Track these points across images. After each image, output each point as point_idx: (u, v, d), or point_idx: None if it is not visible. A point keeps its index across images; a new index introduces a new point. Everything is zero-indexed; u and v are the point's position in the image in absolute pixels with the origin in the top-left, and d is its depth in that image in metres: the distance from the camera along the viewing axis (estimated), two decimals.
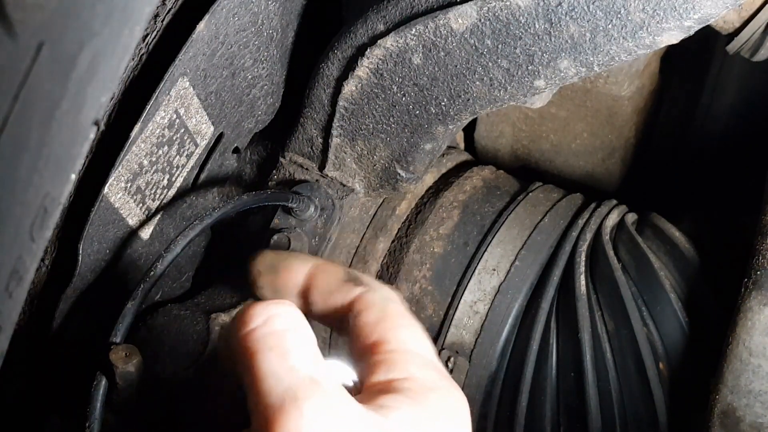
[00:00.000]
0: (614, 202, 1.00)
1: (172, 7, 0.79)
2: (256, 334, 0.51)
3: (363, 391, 0.55)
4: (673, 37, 0.72)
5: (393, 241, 0.99)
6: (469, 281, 0.94)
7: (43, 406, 0.87)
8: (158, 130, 0.80)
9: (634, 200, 1.03)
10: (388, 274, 0.97)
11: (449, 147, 1.12)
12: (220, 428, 0.74)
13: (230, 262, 1.00)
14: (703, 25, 0.72)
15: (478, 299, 0.93)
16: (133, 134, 0.77)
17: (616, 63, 0.75)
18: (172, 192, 0.90)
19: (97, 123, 0.45)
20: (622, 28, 0.72)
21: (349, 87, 0.86)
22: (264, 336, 0.50)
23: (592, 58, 0.75)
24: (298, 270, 0.64)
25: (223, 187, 1.04)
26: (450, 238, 0.97)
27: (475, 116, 0.91)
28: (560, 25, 0.74)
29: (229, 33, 0.82)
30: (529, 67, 0.78)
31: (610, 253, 0.92)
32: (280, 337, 0.50)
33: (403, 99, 0.85)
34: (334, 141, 0.93)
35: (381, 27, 0.81)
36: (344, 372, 0.58)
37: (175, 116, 0.81)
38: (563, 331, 0.92)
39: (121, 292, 0.88)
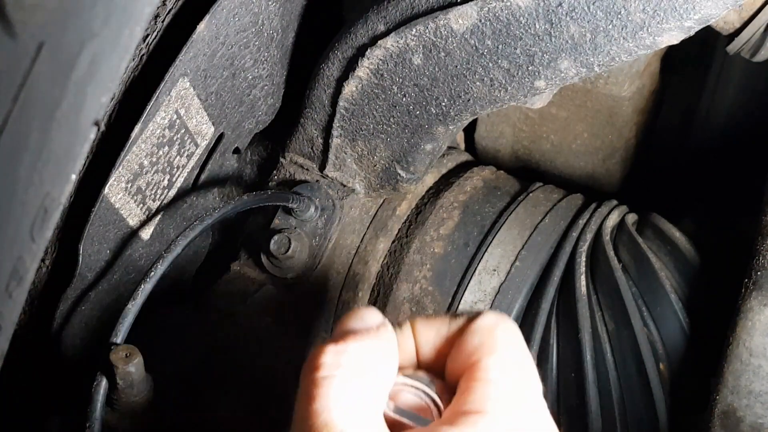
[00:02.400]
0: (614, 202, 1.00)
1: (172, 8, 0.79)
2: (304, 379, 0.53)
3: (443, 414, 0.54)
4: (674, 38, 0.72)
5: (393, 242, 0.98)
6: (469, 281, 0.94)
7: (43, 406, 0.87)
8: (159, 130, 0.80)
9: (635, 201, 1.03)
10: (389, 275, 0.97)
11: (450, 147, 1.12)
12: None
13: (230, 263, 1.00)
14: (704, 25, 0.72)
15: (479, 299, 0.93)
16: (133, 135, 0.77)
17: (617, 63, 0.75)
18: (172, 192, 0.90)
19: (97, 123, 0.45)
20: (622, 29, 0.72)
21: (350, 87, 0.86)
22: (306, 383, 0.53)
23: (592, 59, 0.75)
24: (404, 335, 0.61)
25: (224, 187, 1.04)
26: (450, 239, 0.97)
27: (476, 117, 0.91)
28: (561, 26, 0.74)
29: (229, 33, 0.82)
30: (530, 68, 0.78)
31: (611, 253, 0.92)
32: (316, 385, 0.52)
33: (404, 99, 0.85)
34: (335, 141, 0.93)
35: (381, 27, 0.81)
36: (424, 387, 0.56)
37: (175, 117, 0.81)
38: (563, 331, 0.92)
39: (122, 293, 0.89)
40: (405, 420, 0.54)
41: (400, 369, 0.57)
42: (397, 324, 0.59)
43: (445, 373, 0.58)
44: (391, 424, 0.54)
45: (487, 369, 0.54)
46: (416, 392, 0.56)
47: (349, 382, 0.52)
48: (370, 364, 0.54)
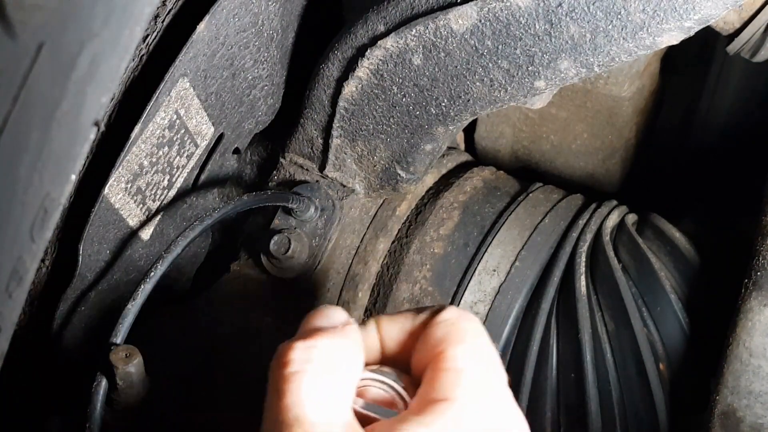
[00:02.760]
0: (614, 202, 1.00)
1: (172, 8, 0.79)
2: (272, 374, 0.54)
3: (410, 405, 0.55)
4: (674, 38, 0.72)
5: (393, 242, 0.98)
6: (469, 282, 0.94)
7: (43, 406, 0.87)
8: (158, 130, 0.80)
9: (635, 201, 1.03)
10: (389, 275, 0.97)
11: (449, 147, 1.12)
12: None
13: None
14: (704, 25, 0.72)
15: (479, 300, 0.93)
16: (133, 135, 0.77)
17: (617, 64, 0.75)
18: (172, 193, 0.90)
19: (97, 123, 0.45)
20: (622, 29, 0.72)
21: (350, 88, 0.86)
22: (276, 378, 0.54)
23: (592, 59, 0.75)
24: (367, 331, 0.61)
25: (224, 187, 1.04)
26: (450, 239, 0.97)
27: (476, 117, 0.91)
28: (560, 26, 0.74)
29: (229, 34, 0.82)
30: (530, 68, 0.78)
31: (611, 253, 0.92)
32: (285, 381, 0.53)
33: (404, 100, 0.85)
34: (335, 142, 0.93)
35: (381, 28, 0.81)
36: (390, 381, 0.57)
37: (175, 117, 0.81)
38: (563, 331, 0.92)
39: (122, 293, 0.89)
40: (373, 414, 0.55)
41: (366, 365, 0.58)
42: (360, 322, 0.60)
43: (411, 367, 0.59)
44: (360, 419, 0.54)
45: (453, 358, 0.54)
46: (382, 386, 0.57)
47: (319, 377, 0.53)
48: (338, 360, 0.55)
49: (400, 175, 0.94)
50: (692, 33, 0.72)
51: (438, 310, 0.59)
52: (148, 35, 0.78)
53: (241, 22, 0.82)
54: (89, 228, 0.79)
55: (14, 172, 0.40)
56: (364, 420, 0.54)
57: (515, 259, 0.95)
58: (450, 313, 0.58)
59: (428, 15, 0.78)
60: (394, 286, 0.96)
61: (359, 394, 0.56)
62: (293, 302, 0.96)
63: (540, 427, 0.92)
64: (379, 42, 0.81)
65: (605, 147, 1.18)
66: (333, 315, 0.59)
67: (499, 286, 0.94)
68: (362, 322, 0.61)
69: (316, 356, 0.54)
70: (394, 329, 0.60)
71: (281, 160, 0.99)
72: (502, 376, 0.56)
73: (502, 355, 0.93)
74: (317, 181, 0.97)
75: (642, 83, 1.12)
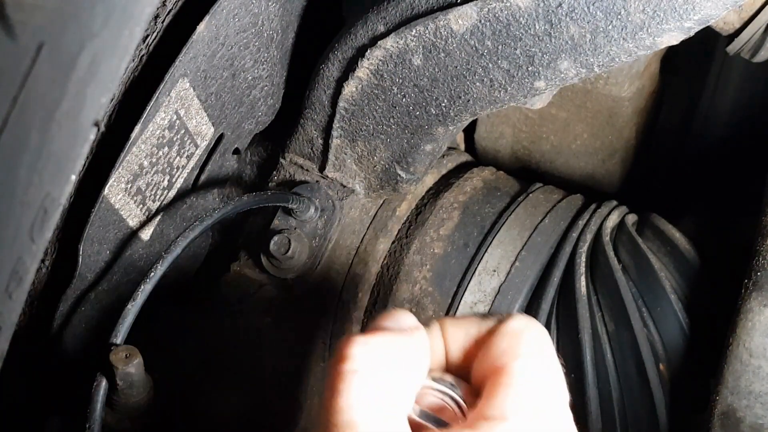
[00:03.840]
0: (614, 203, 1.00)
1: (172, 8, 0.79)
2: (332, 369, 0.52)
3: (468, 416, 0.53)
4: (673, 38, 0.72)
5: (393, 242, 0.98)
6: (469, 282, 0.94)
7: (43, 407, 0.87)
8: (158, 131, 0.80)
9: (635, 201, 1.03)
10: (389, 275, 0.97)
11: (449, 148, 1.12)
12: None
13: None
14: (703, 26, 0.72)
15: (479, 300, 0.93)
16: (133, 135, 0.77)
17: (617, 64, 0.75)
18: (172, 193, 0.90)
19: (97, 124, 0.45)
20: (622, 30, 0.72)
21: (350, 88, 0.86)
22: (333, 374, 0.52)
23: (592, 59, 0.75)
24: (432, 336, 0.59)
25: (224, 188, 1.04)
26: (450, 239, 0.97)
27: (476, 117, 0.91)
28: (560, 26, 0.74)
29: (229, 34, 0.82)
30: (530, 68, 0.78)
31: (611, 254, 0.92)
32: (343, 378, 0.51)
33: (404, 100, 0.85)
34: (335, 142, 0.93)
35: (381, 28, 0.81)
36: (449, 391, 0.56)
37: (175, 117, 0.81)
38: (563, 331, 0.92)
39: (122, 293, 0.89)
40: (428, 424, 0.53)
41: (429, 371, 0.56)
42: (426, 325, 0.58)
43: (472, 377, 0.57)
44: (415, 427, 0.53)
45: (513, 374, 0.52)
46: (441, 396, 0.56)
47: (377, 379, 0.51)
48: (399, 363, 0.53)
49: (400, 175, 0.94)
50: (692, 33, 0.72)
51: (504, 318, 0.56)
52: (148, 35, 0.78)
53: (241, 23, 0.82)
54: (89, 228, 0.79)
55: (14, 172, 0.40)
56: (418, 428, 0.53)
57: (515, 260, 0.95)
58: (517, 323, 0.56)
59: (428, 15, 0.78)
60: (394, 287, 0.96)
61: (418, 401, 0.54)
62: (293, 302, 0.96)
63: None
64: (379, 42, 0.81)
65: (605, 147, 1.18)
66: (402, 319, 0.57)
67: (499, 287, 0.94)
68: (427, 325, 0.59)
69: (378, 355, 0.52)
70: (459, 334, 0.58)
71: (281, 160, 0.99)
72: (563, 395, 0.54)
73: None
74: (317, 181, 0.97)
75: (642, 83, 1.12)
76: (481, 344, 0.57)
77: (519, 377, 0.52)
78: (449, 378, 0.57)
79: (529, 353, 0.54)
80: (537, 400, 0.52)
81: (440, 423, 0.54)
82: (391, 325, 0.56)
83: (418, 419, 0.54)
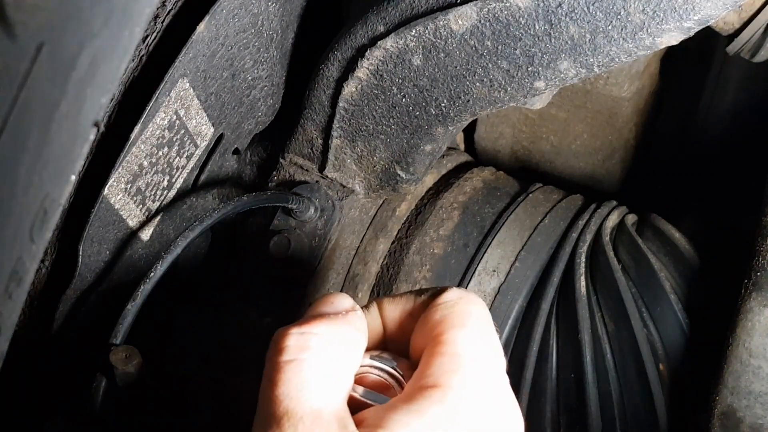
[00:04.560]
0: (614, 203, 1.00)
1: (172, 9, 0.79)
2: (267, 362, 0.52)
3: (405, 388, 0.53)
4: (673, 39, 0.72)
5: (393, 242, 0.98)
6: (469, 282, 0.94)
7: (43, 407, 0.87)
8: (158, 131, 0.80)
9: (635, 201, 1.03)
10: (388, 275, 0.97)
11: (449, 148, 1.12)
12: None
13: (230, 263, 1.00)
14: (703, 26, 0.72)
15: None
16: (133, 135, 0.77)
17: (616, 64, 0.75)
18: (172, 193, 0.90)
19: (96, 124, 0.45)
20: (622, 30, 0.72)
21: (349, 88, 0.86)
22: (269, 366, 0.52)
23: (592, 60, 0.75)
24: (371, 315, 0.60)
25: (223, 188, 1.04)
26: (450, 239, 0.97)
27: (475, 117, 0.91)
28: (560, 27, 0.74)
29: (229, 34, 0.82)
30: (529, 68, 0.78)
31: (610, 254, 0.92)
32: (277, 370, 0.51)
33: (403, 100, 0.85)
34: (334, 142, 0.93)
35: (381, 28, 0.81)
36: (387, 368, 0.56)
37: (175, 117, 0.81)
38: (563, 332, 0.92)
39: (121, 294, 0.89)
40: (370, 401, 0.54)
41: (368, 350, 0.57)
42: (364, 306, 0.59)
43: (410, 350, 0.57)
44: (357, 405, 0.53)
45: (450, 342, 0.52)
46: (380, 373, 0.56)
47: (314, 368, 0.51)
48: (336, 348, 0.53)
49: (399, 175, 0.94)
50: (692, 33, 0.72)
51: (440, 291, 0.57)
52: (148, 36, 0.78)
53: (240, 23, 0.82)
54: (89, 228, 0.79)
55: (14, 172, 0.40)
56: (361, 407, 0.53)
57: (515, 260, 0.95)
58: (451, 295, 0.56)
59: (428, 15, 0.78)
60: (394, 287, 0.96)
61: (358, 381, 0.55)
62: (293, 302, 0.96)
63: (540, 427, 0.92)
64: (378, 42, 0.81)
65: (605, 147, 1.18)
66: (338, 301, 0.57)
67: (499, 287, 0.94)
68: (365, 306, 0.59)
69: (313, 344, 0.52)
70: (395, 311, 0.59)
71: (281, 160, 0.99)
72: (501, 364, 0.54)
73: None
74: (317, 181, 0.97)
75: (642, 84, 1.12)
76: (416, 318, 0.57)
77: (451, 345, 0.52)
78: (387, 355, 0.57)
79: (462, 323, 0.53)
80: (471, 366, 0.51)
81: (381, 399, 0.54)
82: (327, 310, 0.56)
83: (360, 398, 0.54)
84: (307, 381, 0.51)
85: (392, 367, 0.56)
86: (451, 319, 0.54)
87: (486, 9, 0.75)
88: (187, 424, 0.86)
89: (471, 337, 0.53)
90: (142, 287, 0.77)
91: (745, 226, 0.85)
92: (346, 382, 0.53)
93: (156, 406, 0.78)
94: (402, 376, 0.56)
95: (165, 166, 0.85)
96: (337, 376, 0.52)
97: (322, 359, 0.52)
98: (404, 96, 0.85)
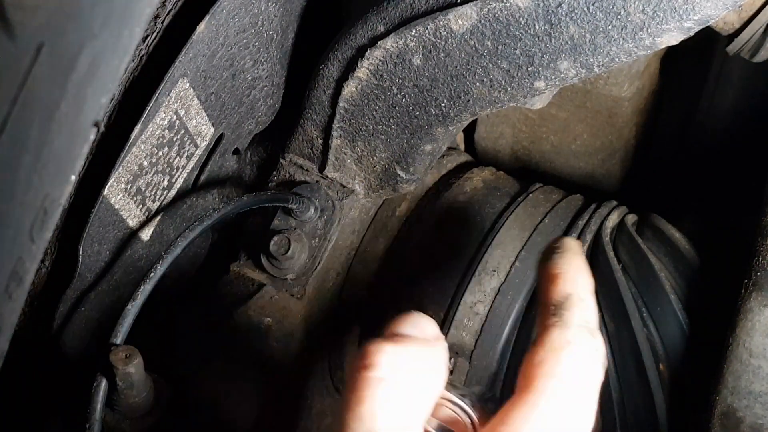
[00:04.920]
0: (614, 203, 1.00)
1: (172, 9, 0.79)
2: (354, 374, 0.51)
3: (483, 429, 0.52)
4: (673, 38, 0.72)
5: (393, 242, 0.98)
6: (469, 282, 0.94)
7: (43, 407, 0.87)
8: (158, 131, 0.80)
9: (635, 201, 1.03)
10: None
11: (449, 148, 1.12)
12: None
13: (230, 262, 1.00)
14: (703, 26, 0.72)
15: (478, 300, 0.93)
16: (133, 135, 0.77)
17: (616, 64, 0.75)
18: (172, 193, 0.90)
19: (96, 124, 0.45)
20: (622, 30, 0.72)
21: (349, 88, 0.86)
22: (357, 379, 0.51)
23: (592, 60, 0.75)
24: None
25: (223, 188, 1.04)
26: None
27: (476, 117, 0.91)
28: (560, 27, 0.74)
29: (229, 34, 0.82)
30: (529, 68, 0.78)
31: (610, 254, 0.92)
32: (367, 385, 0.50)
33: (403, 100, 0.85)
34: (335, 142, 0.93)
35: (381, 28, 0.81)
36: (464, 405, 0.55)
37: (175, 117, 0.81)
38: None
39: (122, 294, 0.89)
40: None
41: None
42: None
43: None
44: None
45: (538, 392, 0.50)
46: (453, 407, 0.55)
47: (401, 390, 0.50)
48: (422, 374, 0.52)
49: (399, 175, 0.94)
50: (692, 33, 0.72)
51: (549, 325, 0.53)
52: (148, 36, 0.78)
53: (240, 23, 0.82)
54: (89, 228, 0.79)
55: (14, 172, 0.40)
56: None
57: (515, 260, 0.95)
58: (557, 336, 0.53)
59: (428, 15, 0.78)
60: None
61: (433, 414, 0.54)
62: (293, 303, 0.96)
63: None
64: (378, 42, 0.81)
65: (605, 147, 1.18)
66: (425, 325, 0.55)
67: (499, 287, 0.94)
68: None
69: (403, 365, 0.51)
70: None
71: (281, 160, 0.99)
72: (588, 423, 0.51)
73: (502, 355, 0.93)
74: (317, 181, 0.97)
75: (642, 83, 1.12)
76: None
77: (544, 402, 0.50)
78: (465, 391, 0.56)
79: (561, 372, 0.51)
80: (557, 425, 0.49)
81: None
82: (413, 332, 0.54)
83: (433, 431, 0.53)
84: (395, 403, 0.50)
85: (465, 403, 0.55)
86: (548, 366, 0.51)
87: (486, 9, 0.75)
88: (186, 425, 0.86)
89: (559, 389, 0.50)
90: (142, 287, 0.77)
91: (745, 226, 0.84)
92: (427, 412, 0.52)
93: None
94: (475, 413, 0.55)
95: (165, 166, 0.85)
96: (421, 404, 0.51)
97: (411, 383, 0.51)
98: (404, 96, 0.85)
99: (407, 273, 0.97)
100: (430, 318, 0.56)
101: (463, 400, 0.55)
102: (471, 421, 0.55)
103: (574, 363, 0.51)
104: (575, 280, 0.59)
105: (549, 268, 0.59)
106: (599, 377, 0.52)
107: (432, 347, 0.53)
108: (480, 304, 0.93)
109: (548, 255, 0.61)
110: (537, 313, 0.57)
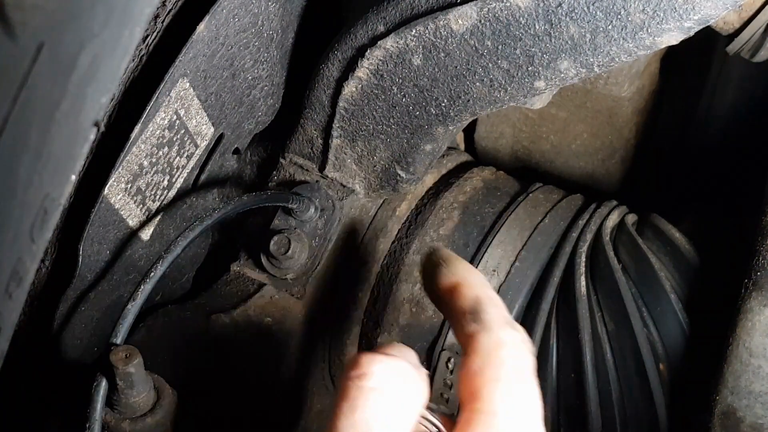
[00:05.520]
0: (614, 202, 1.00)
1: (172, 9, 0.79)
2: (347, 382, 0.52)
3: None
4: (673, 38, 0.72)
5: (393, 242, 0.98)
6: None
7: (43, 407, 0.87)
8: (158, 131, 0.80)
9: (635, 201, 1.03)
10: (389, 275, 0.97)
11: (449, 148, 1.12)
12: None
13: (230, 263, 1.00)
14: (703, 26, 0.72)
15: None
16: (133, 135, 0.77)
17: (617, 64, 0.75)
18: (172, 193, 0.90)
19: (97, 124, 0.45)
20: (622, 29, 0.72)
21: (349, 88, 0.86)
22: (351, 387, 0.52)
23: (592, 59, 0.75)
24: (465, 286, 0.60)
25: (224, 188, 1.04)
26: (450, 239, 0.97)
27: (476, 117, 0.91)
28: (560, 26, 0.74)
29: (229, 34, 0.82)
30: (529, 68, 0.78)
31: (611, 253, 0.92)
32: (362, 394, 0.51)
33: (404, 100, 0.85)
34: (335, 142, 0.93)
35: (381, 28, 0.81)
36: (433, 419, 0.57)
37: (175, 117, 0.81)
38: (563, 331, 0.92)
39: (122, 293, 0.89)
40: None
41: None
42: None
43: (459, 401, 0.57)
44: None
45: (486, 399, 0.52)
46: (429, 425, 0.57)
47: (392, 401, 0.51)
48: (413, 390, 0.53)
49: (400, 175, 0.94)
50: (692, 33, 0.72)
51: (474, 332, 0.56)
52: (148, 36, 0.78)
53: (240, 23, 0.82)
54: (89, 228, 0.79)
55: (14, 172, 0.40)
56: None
57: (515, 260, 0.95)
58: (487, 340, 0.55)
59: (428, 15, 0.78)
60: (394, 287, 0.96)
61: None
62: (293, 303, 0.96)
63: None
64: (378, 42, 0.81)
65: (605, 147, 1.18)
66: (407, 351, 0.58)
67: (499, 287, 0.94)
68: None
69: (396, 378, 0.52)
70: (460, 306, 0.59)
71: (281, 160, 0.99)
72: (537, 415, 0.53)
73: None
74: (317, 181, 0.97)
75: (642, 83, 1.12)
76: (459, 334, 0.57)
77: (487, 403, 0.52)
78: (433, 405, 0.58)
79: (498, 376, 0.53)
80: (506, 424, 0.52)
81: None
82: (399, 355, 0.56)
83: None
84: (388, 413, 0.51)
85: (440, 423, 0.57)
86: (488, 371, 0.53)
87: (486, 9, 0.75)
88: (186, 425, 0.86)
89: (506, 392, 0.53)
90: (142, 287, 0.77)
91: (745, 226, 0.85)
92: (411, 426, 0.53)
93: None
94: (445, 430, 0.57)
95: (165, 165, 0.85)
96: (408, 417, 0.53)
97: (400, 396, 0.52)
98: (404, 96, 0.85)
99: (407, 273, 0.96)
100: (410, 349, 0.58)
101: (434, 416, 0.57)
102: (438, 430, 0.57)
103: (512, 361, 0.54)
104: (475, 282, 0.61)
105: (444, 281, 0.62)
106: (533, 365, 0.55)
107: (416, 368, 0.55)
108: None
109: (433, 270, 0.63)
110: (451, 325, 0.60)
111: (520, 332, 0.56)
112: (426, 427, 0.57)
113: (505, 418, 0.52)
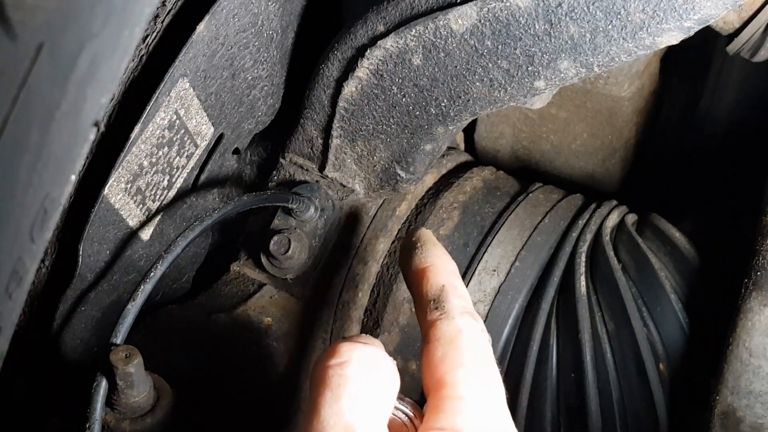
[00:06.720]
0: (614, 202, 1.00)
1: (172, 8, 0.79)
2: (328, 371, 0.53)
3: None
4: (673, 38, 0.72)
5: (393, 242, 0.98)
6: (469, 282, 0.94)
7: (43, 407, 0.87)
8: (158, 131, 0.80)
9: (635, 201, 1.03)
10: (389, 275, 0.97)
11: (449, 148, 1.12)
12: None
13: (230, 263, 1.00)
14: (703, 25, 0.72)
15: (479, 300, 0.93)
16: (133, 135, 0.77)
17: (616, 64, 0.75)
18: (172, 193, 0.90)
19: (97, 124, 0.45)
20: (622, 29, 0.72)
21: (349, 88, 0.86)
22: (333, 375, 0.53)
23: (592, 59, 0.75)
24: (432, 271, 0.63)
25: (224, 187, 1.04)
26: (450, 239, 0.97)
27: (476, 117, 0.91)
28: (560, 26, 0.74)
29: (229, 34, 0.82)
30: (529, 68, 0.78)
31: (611, 253, 0.92)
32: (344, 382, 0.52)
33: (403, 100, 0.85)
34: (334, 142, 0.93)
35: (381, 28, 0.81)
36: (404, 408, 0.58)
37: (175, 117, 0.81)
38: (563, 331, 0.92)
39: (121, 293, 0.89)
40: None
41: None
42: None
43: (423, 389, 0.59)
44: None
45: (452, 385, 0.54)
46: (401, 415, 0.58)
47: (376, 388, 0.52)
48: (391, 378, 0.55)
49: (399, 175, 0.94)
50: (692, 33, 0.72)
51: (435, 320, 0.58)
52: (147, 35, 0.78)
53: (240, 23, 0.82)
54: (89, 228, 0.79)
55: (14, 172, 0.40)
56: None
57: (515, 259, 0.95)
58: (447, 328, 0.57)
59: (428, 15, 0.78)
60: (394, 286, 0.96)
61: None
62: (293, 303, 0.96)
63: (540, 427, 0.92)
64: (378, 42, 0.81)
65: (605, 147, 1.18)
66: (377, 342, 0.59)
67: (499, 286, 0.94)
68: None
69: (374, 366, 0.54)
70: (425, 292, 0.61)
71: (281, 160, 0.99)
72: (500, 395, 0.55)
73: (502, 355, 0.93)
74: (317, 181, 0.97)
75: (642, 83, 1.12)
76: (421, 321, 0.59)
77: (453, 389, 0.54)
78: (401, 396, 0.59)
79: (461, 362, 0.55)
80: (473, 407, 0.53)
81: None
82: (370, 343, 0.57)
83: None
84: (371, 398, 0.52)
85: (408, 407, 0.58)
86: (451, 358, 0.55)
87: (486, 9, 0.75)
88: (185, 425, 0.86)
89: (470, 376, 0.55)
90: (142, 287, 0.77)
91: (745, 226, 0.85)
92: (388, 412, 0.54)
93: None
94: (415, 417, 0.58)
95: (165, 165, 0.85)
96: (388, 405, 0.54)
97: (380, 384, 0.53)
98: (404, 96, 0.85)
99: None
100: (377, 341, 0.59)
101: (405, 406, 0.58)
102: (411, 421, 0.58)
103: (472, 346, 0.56)
104: (444, 269, 0.63)
105: (415, 264, 0.64)
106: (492, 352, 0.57)
107: (389, 357, 0.56)
108: (480, 303, 0.93)
109: (409, 251, 0.66)
110: (415, 308, 0.62)
111: (479, 322, 0.59)
112: (397, 416, 0.58)
113: (472, 401, 0.53)
